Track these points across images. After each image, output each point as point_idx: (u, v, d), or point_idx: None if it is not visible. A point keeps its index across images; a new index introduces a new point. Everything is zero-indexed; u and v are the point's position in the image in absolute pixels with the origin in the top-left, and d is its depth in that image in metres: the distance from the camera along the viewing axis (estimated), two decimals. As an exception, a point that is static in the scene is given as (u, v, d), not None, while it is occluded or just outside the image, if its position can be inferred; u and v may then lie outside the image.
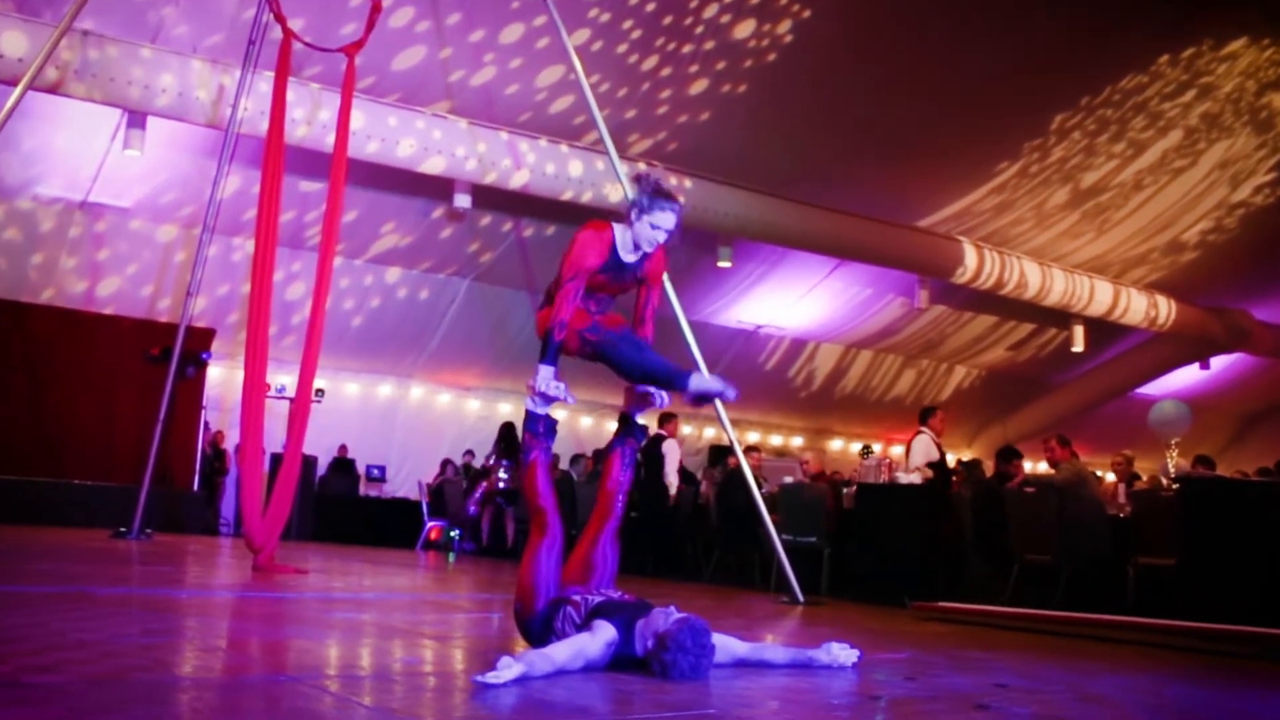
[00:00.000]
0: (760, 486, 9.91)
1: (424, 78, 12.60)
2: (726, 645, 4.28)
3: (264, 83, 10.91)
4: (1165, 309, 19.31)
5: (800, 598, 8.74)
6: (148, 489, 11.53)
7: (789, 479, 11.90)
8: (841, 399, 21.98)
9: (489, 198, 14.28)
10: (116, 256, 15.04)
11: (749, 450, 11.97)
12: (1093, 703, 4.22)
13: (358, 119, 11.41)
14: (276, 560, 8.68)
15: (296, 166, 12.63)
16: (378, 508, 17.69)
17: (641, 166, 13.73)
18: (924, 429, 10.90)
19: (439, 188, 13.97)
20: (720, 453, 13.70)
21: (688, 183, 14.17)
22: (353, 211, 14.49)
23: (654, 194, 4.51)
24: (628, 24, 12.46)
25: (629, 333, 4.56)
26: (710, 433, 21.03)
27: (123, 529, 11.39)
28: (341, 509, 16.93)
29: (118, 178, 13.76)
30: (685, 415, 20.17)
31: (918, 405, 22.44)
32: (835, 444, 23.08)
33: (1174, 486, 9.24)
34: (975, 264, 16.80)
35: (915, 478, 10.33)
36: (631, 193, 4.57)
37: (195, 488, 15.51)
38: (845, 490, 11.03)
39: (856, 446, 20.78)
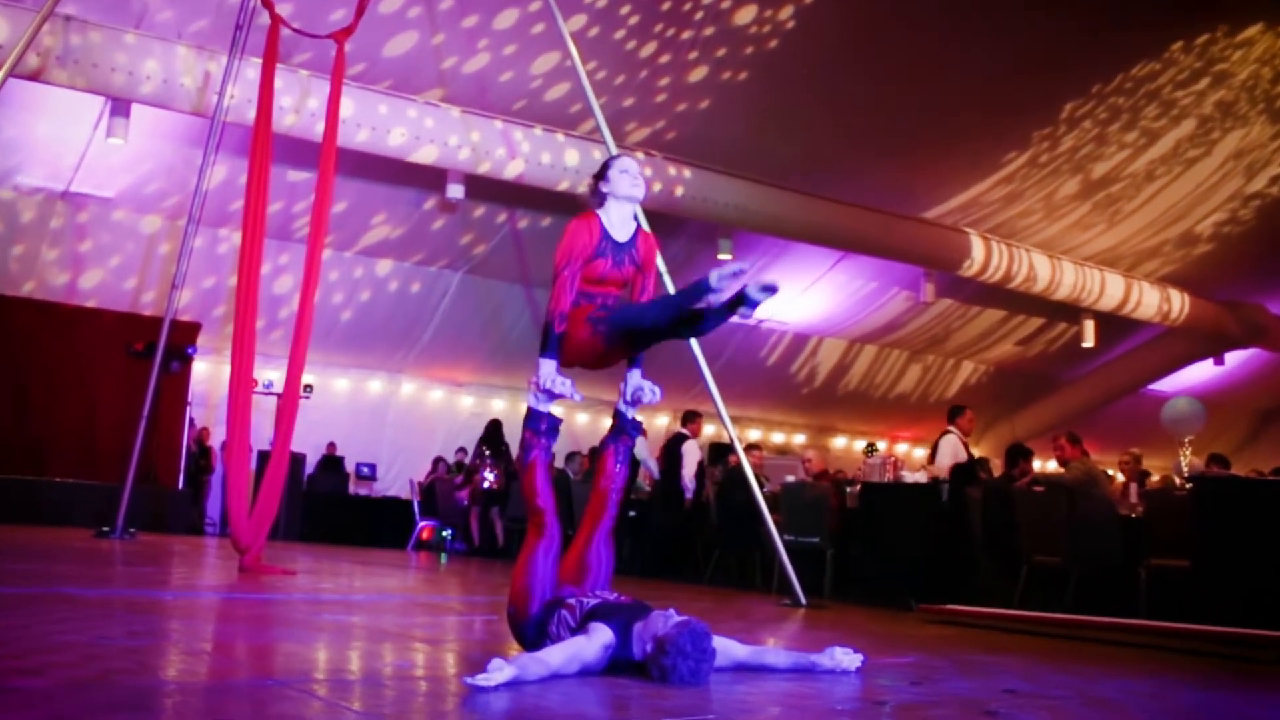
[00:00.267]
0: (761, 486, 9.92)
1: (416, 64, 12.59)
2: (727, 649, 4.28)
3: (251, 69, 10.91)
4: (1178, 303, 19.31)
5: (802, 600, 8.75)
6: (131, 487, 11.53)
7: (791, 478, 11.92)
8: (845, 395, 21.98)
9: (482, 188, 14.27)
10: (99, 248, 15.02)
11: (750, 448, 11.98)
12: (1103, 709, 4.22)
13: (347, 107, 11.40)
14: (263, 561, 8.67)
15: (284, 156, 12.62)
16: (368, 507, 17.70)
17: (640, 156, 13.73)
18: (951, 428, 10.89)
19: (431, 178, 13.96)
20: (720, 451, 13.70)
21: (687, 173, 14.17)
22: (342, 202, 14.46)
23: (601, 167, 4.69)
24: (625, 9, 12.45)
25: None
26: (710, 430, 21.01)
27: (106, 528, 11.39)
28: (330, 508, 16.94)
29: (101, 167, 13.74)
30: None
31: (923, 402, 22.57)
32: (838, 442, 23.08)
33: (1187, 486, 9.25)
34: (983, 256, 16.80)
35: (921, 477, 10.34)
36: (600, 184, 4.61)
37: (180, 486, 15.48)
38: (849, 489, 11.04)
39: (860, 444, 20.76)
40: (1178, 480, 11.02)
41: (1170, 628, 7.24)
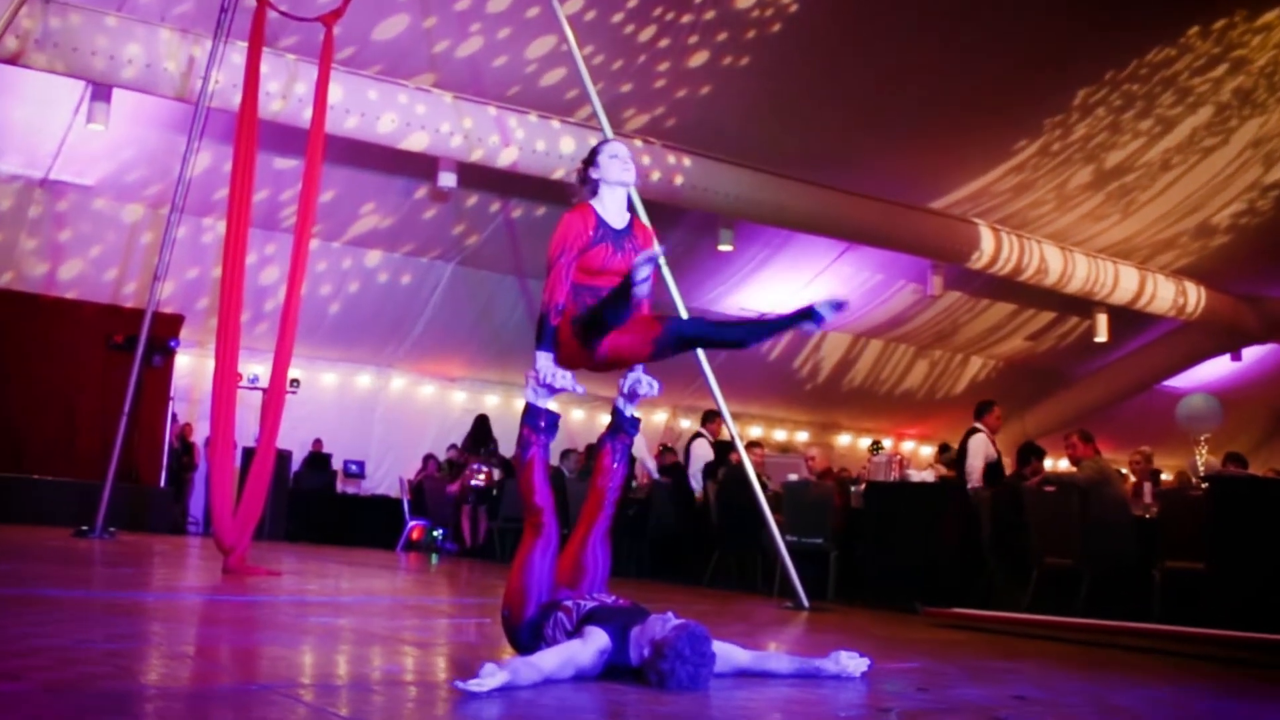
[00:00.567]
0: (763, 485, 9.92)
1: (407, 49, 12.57)
2: (728, 654, 4.26)
3: (237, 53, 10.89)
4: (1194, 296, 19.32)
5: (805, 603, 8.74)
6: (111, 485, 11.52)
7: (793, 476, 11.90)
8: (849, 391, 21.98)
9: (475, 176, 14.26)
10: (79, 238, 15.01)
11: (751, 446, 11.97)
12: (1117, 716, 4.22)
13: (336, 92, 11.37)
14: (248, 561, 8.66)
15: (271, 143, 12.60)
16: (356, 506, 17.72)
17: (638, 143, 13.73)
18: (979, 425, 10.89)
19: (422, 166, 13.95)
20: (721, 448, 13.71)
21: (686, 161, 14.16)
22: (330, 191, 14.46)
23: (590, 153, 4.71)
24: (624, -8, 12.46)
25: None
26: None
27: (85, 528, 11.37)
28: (317, 507, 16.94)
29: (81, 154, 13.72)
30: (684, 408, 20.24)
31: (930, 398, 22.59)
32: (843, 439, 23.10)
33: (1203, 486, 9.24)
34: (992, 248, 16.80)
35: (928, 475, 10.34)
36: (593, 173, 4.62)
37: (162, 484, 15.48)
38: (853, 489, 11.05)
39: (865, 442, 20.80)
40: (1194, 480, 11.01)
41: (1186, 632, 7.24)
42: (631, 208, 4.66)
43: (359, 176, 14.75)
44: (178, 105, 12.25)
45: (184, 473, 16.58)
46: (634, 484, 13.27)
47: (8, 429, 14.51)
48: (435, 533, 16.15)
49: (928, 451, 21.28)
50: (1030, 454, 10.67)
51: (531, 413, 4.43)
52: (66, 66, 11.14)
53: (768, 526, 9.32)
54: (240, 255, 9.19)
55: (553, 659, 3.88)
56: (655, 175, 13.75)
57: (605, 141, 4.77)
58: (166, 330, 14.50)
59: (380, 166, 14.48)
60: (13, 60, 10.90)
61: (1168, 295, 18.96)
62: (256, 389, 12.81)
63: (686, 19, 12.76)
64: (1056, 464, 14.99)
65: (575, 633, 4.06)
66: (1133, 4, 13.23)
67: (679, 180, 14.07)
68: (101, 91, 12.01)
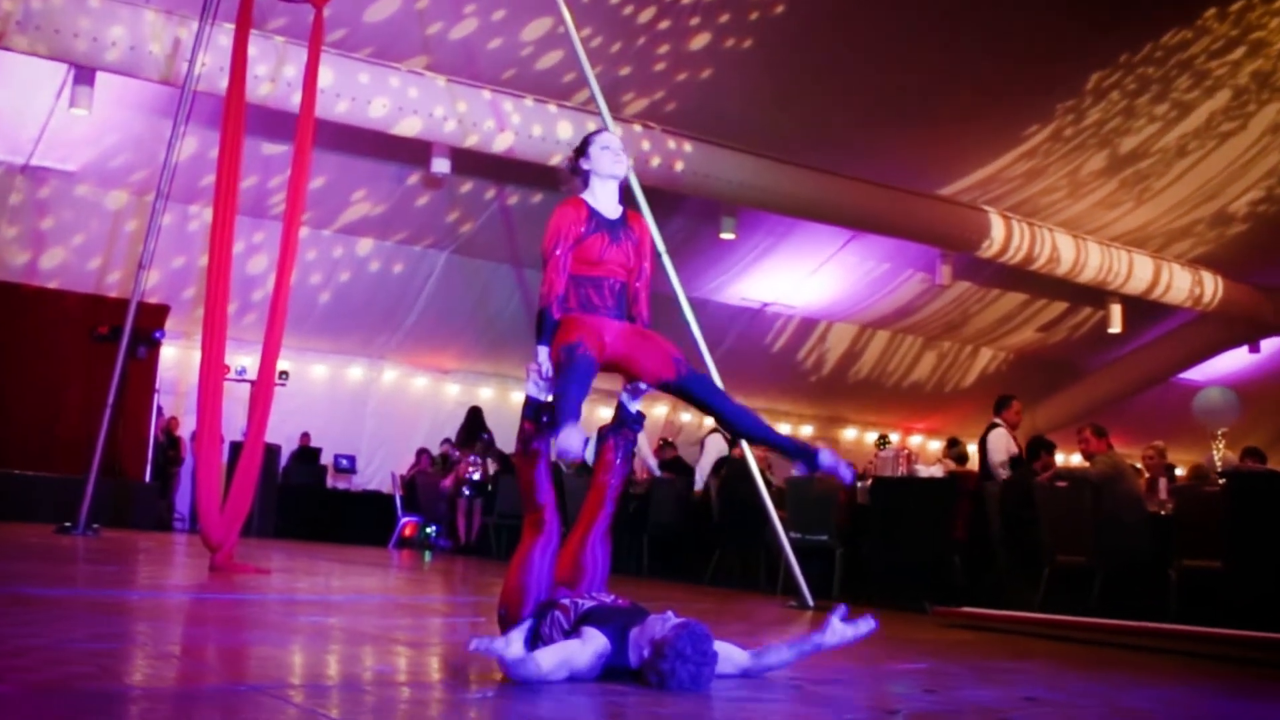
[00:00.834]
0: (766, 480, 9.91)
1: (399, 31, 12.56)
2: (728, 654, 4.25)
3: (224, 36, 10.88)
4: (1211, 286, 19.32)
5: (810, 602, 8.74)
6: (95, 480, 11.51)
7: (797, 471, 11.90)
8: (855, 384, 21.99)
9: (469, 162, 14.25)
10: (61, 225, 15.00)
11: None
12: (1129, 718, 4.22)
13: (326, 76, 11.35)
14: (236, 559, 8.66)
15: (259, 128, 12.60)
16: (347, 502, 17.74)
17: (637, 128, 13.73)
18: (999, 421, 10.90)
19: (415, 151, 13.94)
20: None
21: (687, 146, 14.15)
22: (320, 177, 14.44)
23: (582, 142, 4.73)
24: (623, -29, 12.45)
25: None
26: (710, 421, 21.00)
27: (67, 524, 11.38)
28: (307, 503, 16.96)
29: (63, 139, 13.70)
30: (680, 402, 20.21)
31: (938, 391, 22.60)
32: (849, 433, 23.12)
33: (1220, 481, 9.24)
34: (1002, 236, 16.79)
35: (936, 470, 10.33)
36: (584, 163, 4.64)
37: (147, 479, 15.51)
38: (859, 484, 11.04)
39: (872, 436, 20.81)
40: (1210, 475, 11.01)
41: (1202, 632, 7.23)
42: (624, 201, 4.66)
43: (350, 162, 14.74)
44: (163, 89, 12.24)
45: (170, 467, 16.59)
46: (633, 480, 13.31)
47: (-12, 422, 14.53)
48: (428, 529, 16.16)
49: (936, 446, 21.26)
50: (1039, 448, 10.66)
51: (533, 406, 4.43)
52: (48, 49, 11.13)
53: (771, 523, 9.32)
54: (227, 244, 9.18)
55: (549, 658, 3.88)
56: (655, 161, 13.74)
57: (598, 132, 4.77)
58: (151, 321, 14.49)
59: (372, 152, 14.46)
60: (-8, 43, 10.91)
61: (1184, 285, 18.95)
62: (244, 381, 12.84)
63: (687, 0, 12.75)
64: (1069, 459, 14.98)
65: (573, 632, 4.05)
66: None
67: (679, 166, 14.07)
68: (84, 75, 11.99)
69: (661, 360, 4.41)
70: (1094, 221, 17.79)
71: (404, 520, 16.33)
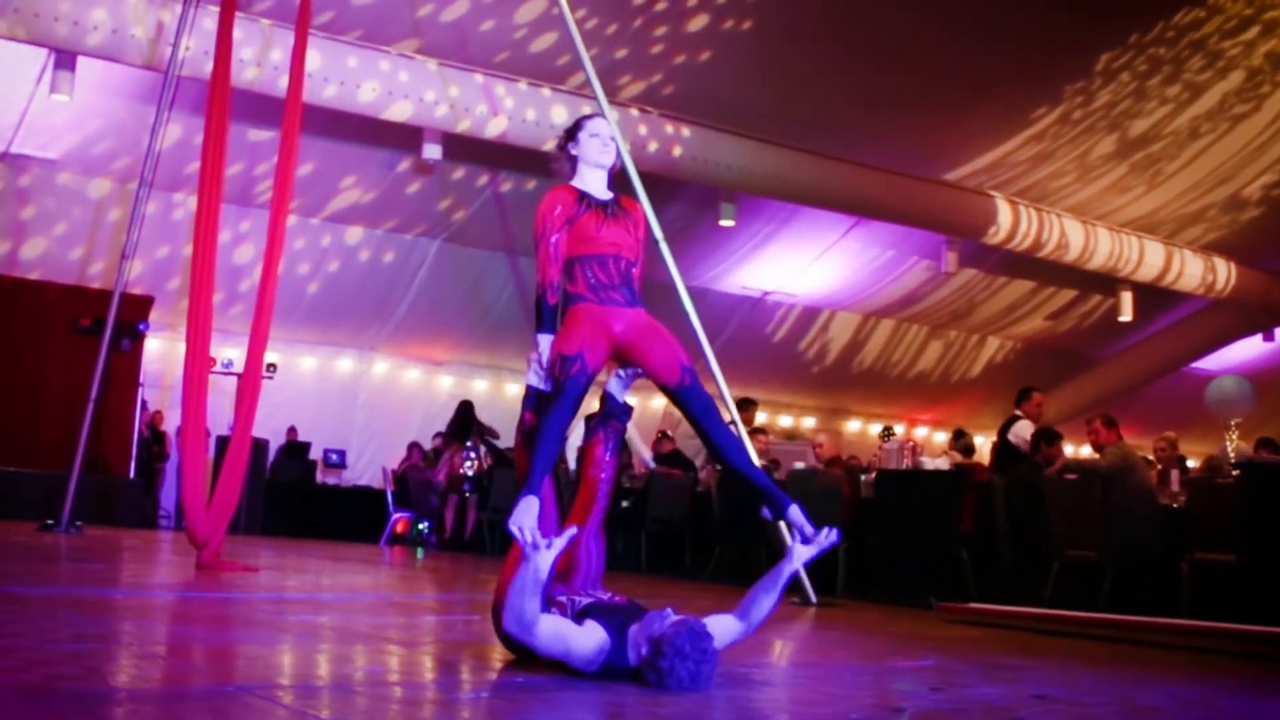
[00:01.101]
0: (768, 473, 9.92)
1: (388, 13, 12.53)
2: (724, 628, 4.20)
3: (208, 18, 10.85)
4: (1224, 273, 19.32)
5: (813, 598, 8.74)
6: (78, 476, 11.51)
7: (800, 464, 11.92)
8: (859, 374, 21.99)
9: (462, 148, 14.23)
10: (42, 215, 14.99)
11: (755, 432, 11.99)
12: (1143, 716, 4.23)
13: (314, 59, 11.33)
14: (223, 556, 8.66)
15: (245, 113, 12.58)
16: (336, 497, 17.72)
17: (634, 112, 13.72)
18: (1019, 413, 10.91)
19: (405, 137, 13.92)
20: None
21: (685, 130, 14.14)
22: (308, 164, 14.42)
23: (572, 126, 4.75)
24: (619, -49, 12.44)
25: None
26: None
27: (50, 521, 11.38)
28: (296, 499, 16.95)
29: (43, 126, 13.68)
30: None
31: (944, 381, 22.59)
32: (852, 425, 23.10)
33: (1234, 473, 9.25)
34: (1010, 222, 16.78)
35: (942, 463, 10.34)
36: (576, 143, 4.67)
37: (131, 475, 15.49)
38: (864, 477, 11.04)
39: (876, 428, 20.77)
40: (1224, 467, 11.01)
41: (1216, 628, 7.25)
42: (613, 187, 4.67)
43: (339, 149, 14.72)
44: (146, 74, 12.22)
45: (154, 463, 16.59)
46: (631, 473, 13.30)
47: (-33, 417, 14.52)
48: (420, 525, 16.17)
49: (942, 438, 21.28)
50: (1041, 439, 10.64)
51: (533, 397, 4.44)
52: (28, 33, 11.10)
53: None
54: (213, 233, 9.16)
55: (549, 626, 3.89)
56: (652, 146, 13.73)
57: (589, 117, 4.77)
58: (135, 312, 14.48)
59: (361, 138, 14.44)
60: (-30, 27, 10.88)
61: (1196, 272, 18.95)
62: (231, 374, 12.79)
63: (685, -20, 12.74)
64: (1078, 450, 15.02)
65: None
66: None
67: (677, 151, 14.06)
68: (65, 60, 11.96)
69: (670, 362, 4.41)
70: (1103, 207, 17.77)
71: (395, 516, 16.33)
